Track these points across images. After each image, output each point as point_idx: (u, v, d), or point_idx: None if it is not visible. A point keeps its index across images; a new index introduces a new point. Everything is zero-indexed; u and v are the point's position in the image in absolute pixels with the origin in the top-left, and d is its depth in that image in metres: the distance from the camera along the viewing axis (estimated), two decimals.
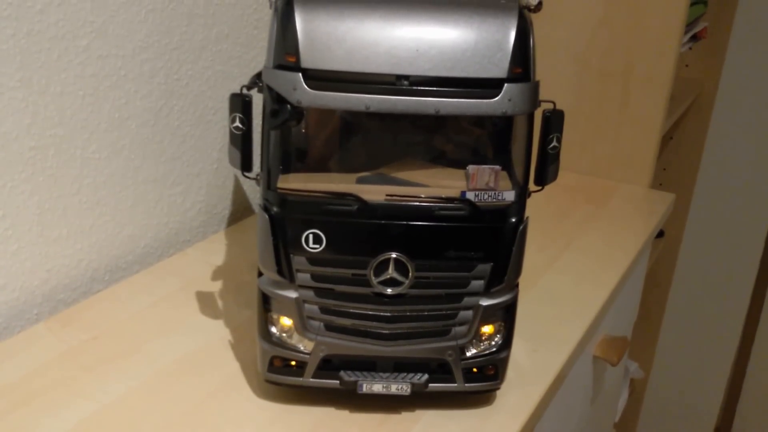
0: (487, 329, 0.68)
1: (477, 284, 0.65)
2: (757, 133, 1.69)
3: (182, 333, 0.80)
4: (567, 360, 0.80)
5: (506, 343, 0.69)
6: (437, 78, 0.58)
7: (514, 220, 0.64)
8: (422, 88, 0.58)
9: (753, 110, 1.67)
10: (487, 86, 0.59)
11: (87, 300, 0.85)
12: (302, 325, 0.65)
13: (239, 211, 1.11)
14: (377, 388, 0.67)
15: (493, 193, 0.63)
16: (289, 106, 0.59)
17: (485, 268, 0.65)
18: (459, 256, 0.64)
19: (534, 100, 0.61)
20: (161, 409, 0.68)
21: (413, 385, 0.67)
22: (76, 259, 0.87)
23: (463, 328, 0.66)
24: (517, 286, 0.68)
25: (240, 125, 0.63)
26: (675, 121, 1.52)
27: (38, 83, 0.78)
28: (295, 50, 0.58)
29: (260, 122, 0.62)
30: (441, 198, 0.63)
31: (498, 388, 0.71)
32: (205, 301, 0.86)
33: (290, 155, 0.64)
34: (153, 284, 0.89)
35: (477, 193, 0.63)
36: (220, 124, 1.03)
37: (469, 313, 0.66)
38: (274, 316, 0.66)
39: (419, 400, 0.70)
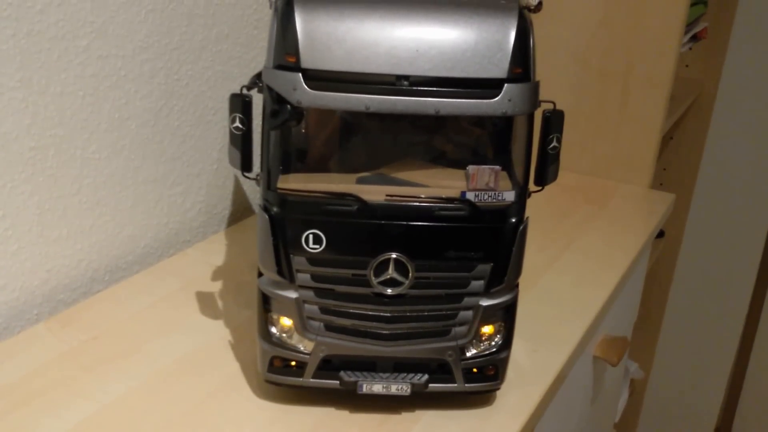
0: (487, 329, 0.68)
1: (477, 284, 0.65)
2: (757, 133, 1.69)
3: (182, 333, 0.80)
4: (567, 360, 0.80)
5: (506, 344, 0.69)
6: (437, 78, 0.58)
7: (514, 220, 0.64)
8: (422, 88, 0.58)
9: (753, 110, 1.67)
10: (487, 86, 0.59)
11: (87, 300, 0.85)
12: (302, 326, 0.65)
13: (239, 211, 1.11)
14: (377, 388, 0.67)
15: (493, 193, 0.63)
16: (289, 106, 0.59)
17: (485, 268, 0.65)
18: (459, 257, 0.64)
19: (534, 101, 0.61)
20: (161, 409, 0.68)
21: (413, 385, 0.67)
22: (76, 259, 0.87)
23: (463, 329, 0.66)
24: (517, 286, 0.68)
25: (240, 125, 0.63)
26: (675, 121, 1.52)
27: (38, 83, 0.78)
28: (295, 50, 0.58)
29: (260, 122, 0.62)
30: (441, 198, 0.63)
31: (498, 389, 0.71)
32: (205, 302, 0.86)
33: (290, 155, 0.64)
34: (153, 284, 0.89)
35: (477, 193, 0.63)
36: (220, 125, 1.03)
37: (469, 313, 0.66)
38: (274, 317, 0.66)
39: (419, 400, 0.70)
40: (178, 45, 0.93)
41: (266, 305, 0.66)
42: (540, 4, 0.63)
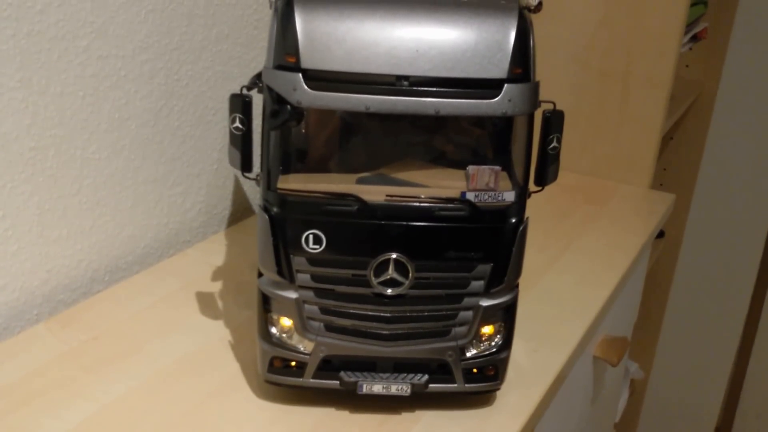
0: (487, 330, 0.68)
1: (477, 285, 0.65)
2: (758, 133, 1.69)
3: (182, 333, 0.80)
4: (567, 360, 0.80)
5: (506, 344, 0.69)
6: (437, 78, 0.58)
7: (514, 220, 0.64)
8: (422, 88, 0.58)
9: (753, 110, 1.67)
10: (487, 87, 0.59)
11: (87, 300, 0.85)
12: (302, 326, 0.65)
13: (239, 211, 1.11)
14: (377, 388, 0.67)
15: (493, 193, 0.63)
16: (289, 106, 0.59)
17: (485, 268, 0.65)
18: (459, 257, 0.64)
19: (534, 101, 0.61)
20: (161, 410, 0.68)
21: (413, 385, 0.67)
22: (76, 259, 0.87)
23: (463, 329, 0.66)
24: (517, 286, 0.68)
25: (240, 126, 0.63)
26: (675, 122, 1.52)
27: (38, 84, 0.78)
28: (295, 51, 0.58)
29: (260, 123, 0.62)
30: (441, 198, 0.63)
31: (498, 389, 0.71)
32: (205, 302, 0.86)
33: (290, 156, 0.64)
34: (153, 285, 0.89)
35: (477, 193, 0.63)
36: (220, 125, 1.03)
37: (469, 313, 0.66)
38: (274, 317, 0.66)
39: (419, 400, 0.70)
40: (178, 45, 0.93)
41: (266, 305, 0.66)
42: (540, 4, 0.63)
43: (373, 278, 0.63)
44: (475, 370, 0.68)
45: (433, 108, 0.59)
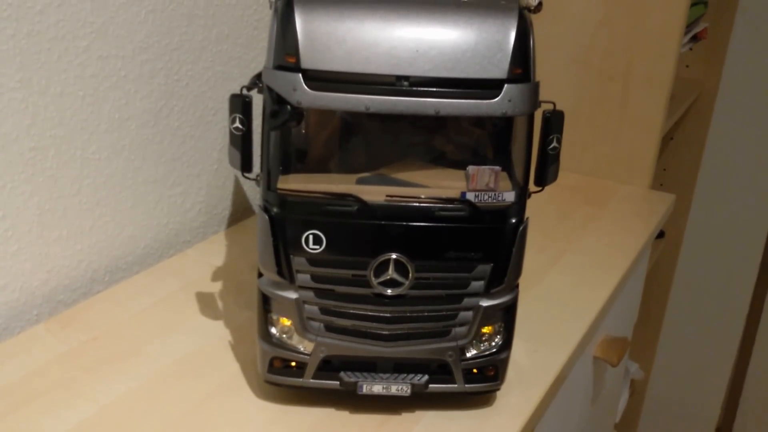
0: (487, 330, 0.68)
1: (477, 285, 0.65)
2: (758, 133, 1.69)
3: (182, 334, 0.80)
4: (567, 361, 0.80)
5: (506, 344, 0.69)
6: (437, 78, 0.58)
7: (514, 220, 0.64)
8: (422, 88, 0.58)
9: (753, 110, 1.67)
10: (487, 87, 0.59)
11: (87, 301, 0.85)
12: (302, 326, 0.65)
13: (239, 211, 1.11)
14: (377, 388, 0.67)
15: (493, 193, 0.63)
16: (289, 106, 0.59)
17: (485, 268, 0.65)
18: (459, 257, 0.64)
19: (534, 101, 0.61)
20: (161, 410, 0.68)
21: (413, 385, 0.67)
22: (76, 259, 0.87)
23: (463, 329, 0.66)
24: (517, 286, 0.68)
25: (240, 126, 0.63)
26: (675, 122, 1.52)
27: (38, 84, 0.78)
28: (295, 51, 0.58)
29: (260, 123, 0.62)
30: (441, 199, 0.63)
31: (498, 389, 0.71)
32: (205, 302, 0.86)
33: (290, 156, 0.64)
34: (153, 285, 0.89)
35: (477, 193, 0.63)
36: (220, 125, 1.03)
37: (469, 313, 0.66)
38: (274, 317, 0.66)
39: (419, 400, 0.70)
40: (178, 45, 0.93)
41: (266, 306, 0.66)
42: (540, 4, 0.63)
43: (373, 278, 0.63)
44: (475, 371, 0.68)
45: (433, 108, 0.59)
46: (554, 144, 0.65)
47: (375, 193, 0.63)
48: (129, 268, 0.94)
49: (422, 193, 0.63)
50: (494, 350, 0.68)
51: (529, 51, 0.60)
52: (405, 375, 0.67)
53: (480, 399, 0.71)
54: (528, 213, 0.66)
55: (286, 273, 0.64)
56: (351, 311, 0.65)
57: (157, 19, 0.89)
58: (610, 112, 1.26)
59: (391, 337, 0.65)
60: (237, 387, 0.72)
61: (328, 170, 0.65)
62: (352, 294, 0.64)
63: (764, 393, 1.91)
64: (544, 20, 1.18)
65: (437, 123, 0.64)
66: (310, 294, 0.65)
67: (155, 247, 0.98)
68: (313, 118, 0.63)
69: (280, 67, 0.59)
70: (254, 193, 1.12)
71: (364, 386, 0.66)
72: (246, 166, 0.64)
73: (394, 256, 0.63)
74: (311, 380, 0.67)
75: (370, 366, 0.67)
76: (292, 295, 0.65)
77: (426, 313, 0.65)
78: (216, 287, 0.89)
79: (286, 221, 0.63)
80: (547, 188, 0.67)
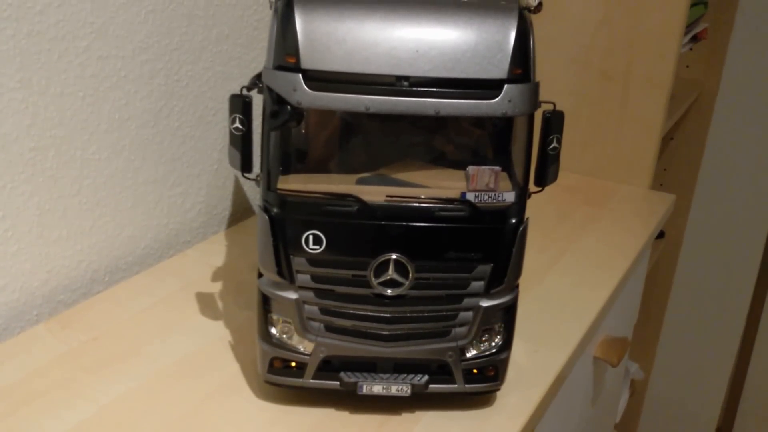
0: (487, 330, 0.68)
1: (477, 285, 0.65)
2: (758, 133, 1.69)
3: (182, 334, 0.80)
4: (567, 361, 0.80)
5: (506, 344, 0.69)
6: (437, 79, 0.58)
7: (514, 221, 0.64)
8: (422, 89, 0.58)
9: (753, 110, 1.67)
10: (487, 87, 0.59)
11: (87, 301, 0.85)
12: (302, 326, 0.65)
13: (239, 211, 1.11)
14: (377, 389, 0.66)
15: (493, 194, 0.63)
16: (289, 107, 0.59)
17: (485, 269, 0.65)
18: (459, 257, 0.64)
19: (534, 101, 0.61)
20: (161, 411, 0.68)
21: (413, 386, 0.67)
22: (76, 260, 0.87)
23: (463, 329, 0.66)
24: (517, 287, 0.68)
25: (240, 126, 0.63)
26: (675, 122, 1.52)
27: (38, 84, 0.78)
28: (295, 51, 0.58)
29: (260, 123, 0.62)
30: (441, 199, 0.63)
31: (498, 389, 0.71)
32: (205, 302, 0.86)
33: (290, 156, 0.64)
34: (153, 285, 0.89)
35: (477, 194, 0.63)
36: (220, 125, 1.03)
37: (470, 314, 0.66)
38: (274, 317, 0.66)
39: (419, 401, 0.70)
40: (178, 46, 0.93)
41: (266, 306, 0.66)
42: (540, 4, 0.63)
43: (373, 279, 0.63)
44: (475, 371, 0.68)
45: (433, 108, 0.59)
46: (554, 144, 0.65)
47: (375, 194, 0.63)
48: (129, 269, 0.94)
49: (422, 193, 0.63)
50: (494, 350, 0.68)
51: (529, 51, 0.60)
52: (405, 375, 0.67)
53: (480, 399, 0.71)
54: (528, 213, 0.66)
55: (286, 273, 0.64)
56: (351, 311, 0.65)
57: (157, 19, 0.89)
58: (610, 112, 1.26)
59: (391, 337, 0.65)
60: (237, 387, 0.72)
61: (328, 170, 0.65)
62: (352, 294, 0.64)
63: (764, 393, 1.91)
64: (544, 20, 1.18)
65: (437, 123, 0.64)
66: (310, 294, 0.65)
67: (155, 248, 0.98)
68: (313, 119, 0.63)
69: (280, 67, 0.59)
70: (254, 194, 1.12)
71: (364, 386, 0.66)
72: (246, 166, 0.64)
73: (394, 256, 0.63)
74: (311, 380, 0.67)
75: (370, 366, 0.67)
76: (292, 295, 0.65)
77: (426, 314, 0.65)
78: (216, 287, 0.89)
79: (286, 221, 0.63)
80: (547, 188, 0.67)
